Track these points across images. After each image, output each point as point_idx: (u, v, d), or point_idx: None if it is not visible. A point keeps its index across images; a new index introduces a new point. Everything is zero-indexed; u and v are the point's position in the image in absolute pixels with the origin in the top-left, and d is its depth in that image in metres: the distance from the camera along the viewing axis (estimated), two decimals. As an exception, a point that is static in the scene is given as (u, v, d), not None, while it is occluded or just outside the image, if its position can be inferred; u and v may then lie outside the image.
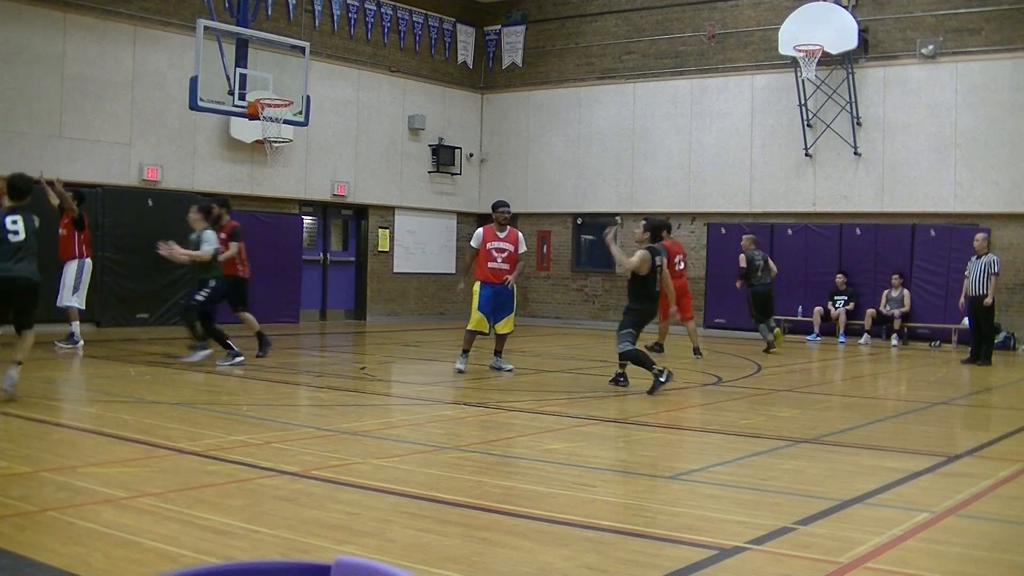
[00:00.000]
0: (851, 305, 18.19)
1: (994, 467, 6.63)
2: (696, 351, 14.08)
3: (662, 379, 9.74)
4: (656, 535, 4.70)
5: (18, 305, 8.37)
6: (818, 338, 18.26)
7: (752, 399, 10.18)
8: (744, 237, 16.11)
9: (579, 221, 21.96)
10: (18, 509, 4.90)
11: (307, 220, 19.87)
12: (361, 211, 20.88)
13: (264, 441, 6.92)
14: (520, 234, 11.72)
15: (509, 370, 11.58)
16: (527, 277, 22.83)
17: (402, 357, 14.32)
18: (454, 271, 22.73)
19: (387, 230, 21.18)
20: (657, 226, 10.65)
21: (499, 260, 11.36)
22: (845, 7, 18.15)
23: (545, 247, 22.34)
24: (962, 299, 14.60)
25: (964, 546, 4.67)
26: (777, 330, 15.57)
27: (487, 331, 11.45)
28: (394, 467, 6.23)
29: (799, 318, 18.88)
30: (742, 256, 15.65)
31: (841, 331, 18.04)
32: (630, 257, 9.90)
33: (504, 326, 11.52)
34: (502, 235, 11.49)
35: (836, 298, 18.34)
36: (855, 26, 17.79)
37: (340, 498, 5.29)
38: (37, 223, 8.51)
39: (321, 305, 20.36)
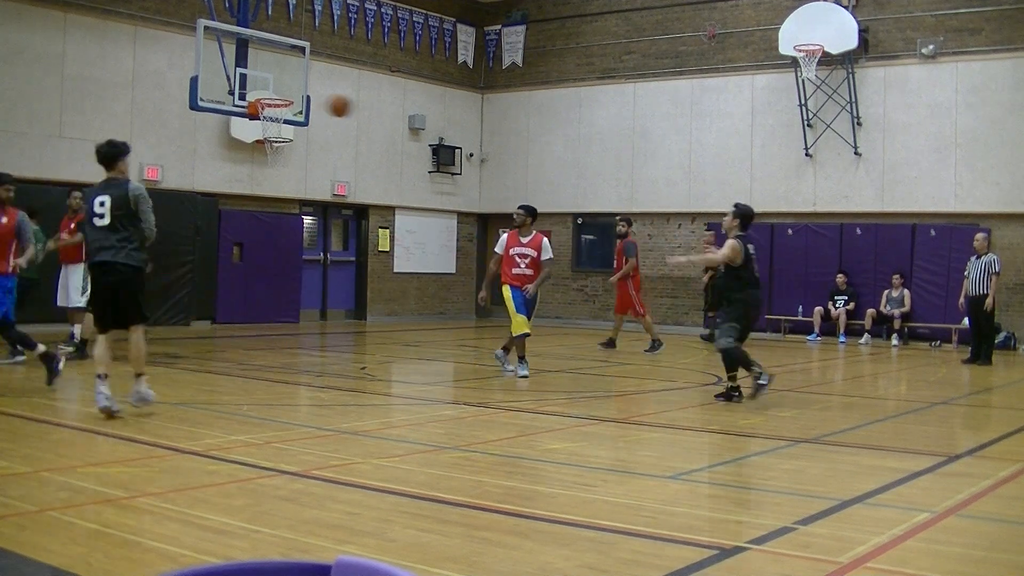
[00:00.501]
0: (851, 305, 18.19)
1: (994, 467, 6.63)
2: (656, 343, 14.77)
3: (762, 382, 9.16)
4: (656, 535, 4.70)
5: (118, 298, 7.78)
6: (818, 338, 18.26)
7: (753, 400, 10.17)
8: (707, 234, 17.52)
9: (579, 221, 21.96)
10: (18, 509, 4.90)
11: (307, 220, 19.87)
12: (361, 211, 20.88)
13: (264, 441, 6.92)
14: (546, 240, 11.40)
15: (511, 371, 11.34)
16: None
17: (402, 357, 14.32)
18: (454, 271, 22.75)
19: (387, 230, 21.18)
20: (747, 213, 9.79)
21: (522, 266, 11.10)
22: (845, 7, 18.14)
23: (545, 247, 22.32)
24: (961, 299, 14.60)
25: (964, 546, 4.67)
26: None
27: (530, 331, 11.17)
28: (394, 467, 6.23)
29: (799, 318, 18.88)
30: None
31: (841, 331, 18.04)
32: (723, 252, 9.32)
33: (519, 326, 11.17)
34: (525, 240, 11.21)
35: (836, 298, 18.34)
36: (855, 26, 17.79)
37: (340, 498, 5.29)
38: (134, 201, 7.74)
39: (321, 305, 20.36)
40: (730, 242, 9.39)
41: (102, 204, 7.68)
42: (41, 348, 9.42)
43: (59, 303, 12.53)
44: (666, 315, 20.52)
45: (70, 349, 12.38)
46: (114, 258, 7.65)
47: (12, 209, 10.03)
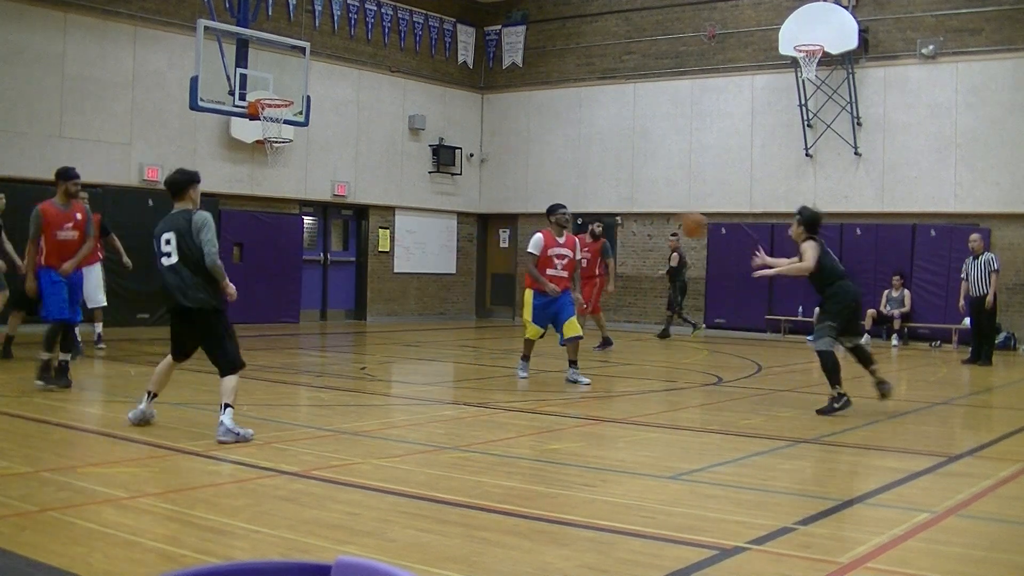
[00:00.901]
0: (851, 305, 18.15)
1: (994, 467, 6.63)
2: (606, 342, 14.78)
3: (837, 405, 8.80)
4: (656, 535, 4.70)
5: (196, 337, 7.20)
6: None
7: (752, 399, 10.18)
8: (672, 237, 18.62)
9: (579, 221, 21.93)
10: (18, 509, 4.90)
11: (307, 220, 19.87)
12: (361, 211, 20.88)
13: (264, 441, 6.92)
14: (576, 239, 11.16)
15: (587, 384, 10.61)
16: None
17: (402, 357, 14.32)
18: (454, 271, 22.74)
19: (387, 230, 21.18)
20: (812, 219, 9.17)
21: (559, 267, 10.71)
22: (845, 7, 18.14)
23: (545, 247, 22.32)
24: (961, 301, 14.54)
25: (964, 546, 4.67)
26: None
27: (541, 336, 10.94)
28: (394, 467, 6.23)
29: (799, 318, 18.88)
30: (675, 255, 18.36)
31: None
32: (808, 254, 8.89)
33: (571, 328, 10.65)
34: (561, 240, 10.81)
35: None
36: (855, 26, 17.79)
37: (340, 498, 5.29)
38: (204, 233, 7.12)
39: (321, 305, 20.36)
40: (809, 243, 9.00)
41: (168, 242, 7.13)
42: (64, 358, 9.26)
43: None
44: (666, 315, 20.50)
45: (102, 348, 12.52)
46: (184, 301, 7.03)
47: (80, 205, 9.86)
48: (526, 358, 11.11)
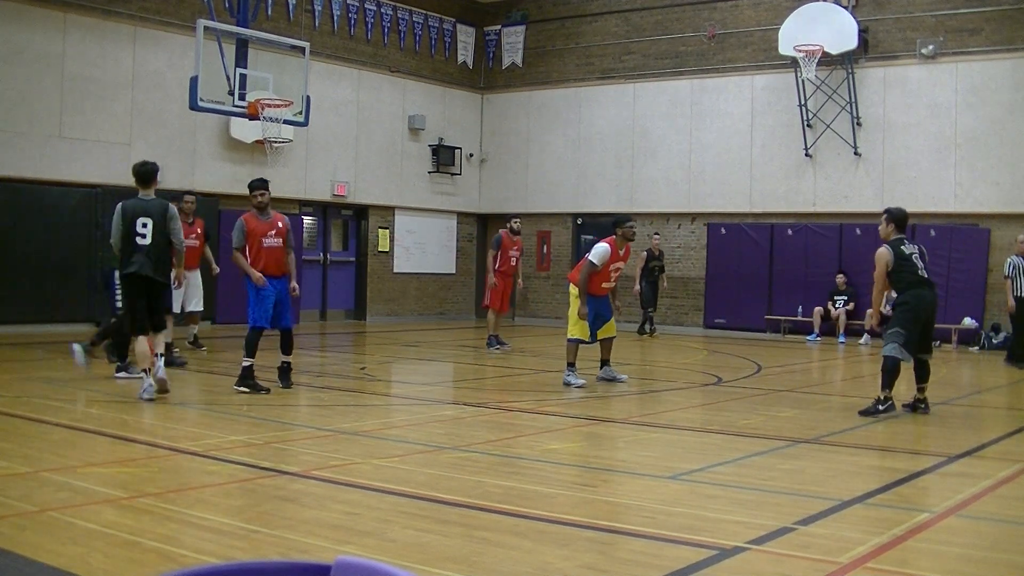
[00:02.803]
0: (851, 305, 18.18)
1: (994, 467, 6.63)
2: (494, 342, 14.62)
3: (881, 408, 8.69)
4: (656, 535, 4.70)
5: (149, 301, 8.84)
6: (818, 338, 18.27)
7: (752, 399, 10.18)
8: (656, 236, 19.17)
9: (579, 221, 21.96)
10: (18, 509, 4.90)
11: (307, 220, 19.86)
12: (361, 211, 20.88)
13: (264, 441, 6.92)
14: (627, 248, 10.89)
15: (623, 380, 10.74)
16: (527, 277, 22.84)
17: (402, 357, 14.31)
18: (454, 271, 22.74)
19: (387, 230, 21.18)
20: (900, 216, 9.02)
21: (612, 279, 10.62)
22: (845, 7, 18.14)
23: (545, 247, 22.35)
24: (1011, 300, 14.12)
25: (964, 546, 4.67)
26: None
27: (589, 340, 10.60)
28: (394, 467, 6.23)
29: (799, 318, 18.88)
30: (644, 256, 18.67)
31: (841, 331, 18.04)
32: (876, 272, 8.92)
33: (608, 330, 10.67)
34: (622, 253, 10.60)
35: (836, 298, 18.34)
36: (855, 26, 17.79)
37: (340, 498, 5.29)
38: (173, 222, 8.89)
39: (321, 305, 20.36)
40: (879, 252, 8.92)
41: (144, 225, 8.74)
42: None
43: (174, 308, 12.21)
44: (665, 315, 20.52)
45: (205, 350, 12.88)
46: (154, 275, 8.81)
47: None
48: (573, 365, 10.54)
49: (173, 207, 9.23)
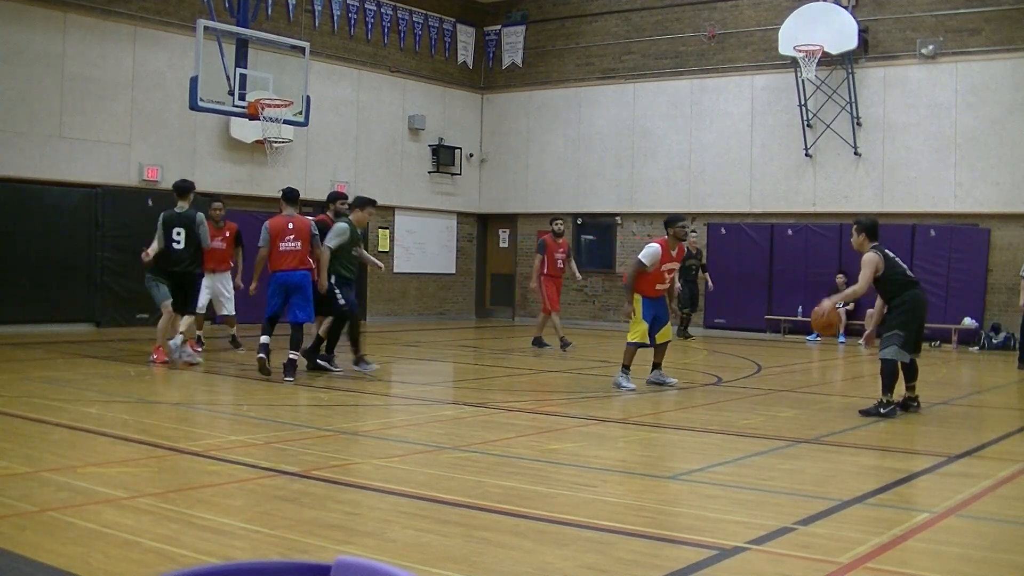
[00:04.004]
0: (851, 305, 18.15)
1: (994, 467, 6.63)
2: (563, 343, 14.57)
3: (883, 411, 8.62)
4: (656, 535, 4.70)
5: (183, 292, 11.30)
6: (818, 338, 18.26)
7: (752, 399, 10.18)
8: (693, 234, 18.37)
9: (579, 221, 21.95)
10: (18, 509, 4.90)
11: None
12: (361, 211, 20.85)
13: (264, 441, 6.92)
14: (683, 247, 10.65)
15: (673, 383, 10.62)
16: (527, 277, 22.83)
17: (402, 357, 14.31)
18: (454, 271, 22.74)
19: (387, 230, 21.18)
20: (871, 226, 9.04)
21: (666, 280, 10.37)
22: (845, 7, 18.14)
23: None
24: (1022, 300, 14.08)
25: (964, 546, 4.67)
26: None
27: (648, 343, 10.35)
28: (394, 467, 6.23)
29: (799, 318, 18.88)
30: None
31: (841, 331, 18.03)
32: (863, 274, 8.80)
33: (665, 334, 10.44)
34: (674, 253, 10.35)
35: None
36: (855, 26, 17.79)
37: (340, 498, 5.29)
38: (200, 228, 11.35)
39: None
40: (867, 256, 8.85)
41: (179, 233, 11.24)
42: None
43: (201, 310, 12.71)
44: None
45: (243, 349, 12.86)
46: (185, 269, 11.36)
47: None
48: (628, 368, 10.27)
49: (200, 216, 11.50)
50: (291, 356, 10.35)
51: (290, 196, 11.29)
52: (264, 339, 10.47)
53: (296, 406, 9.40)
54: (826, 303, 9.06)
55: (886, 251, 8.93)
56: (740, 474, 6.26)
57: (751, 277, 19.40)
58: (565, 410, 8.91)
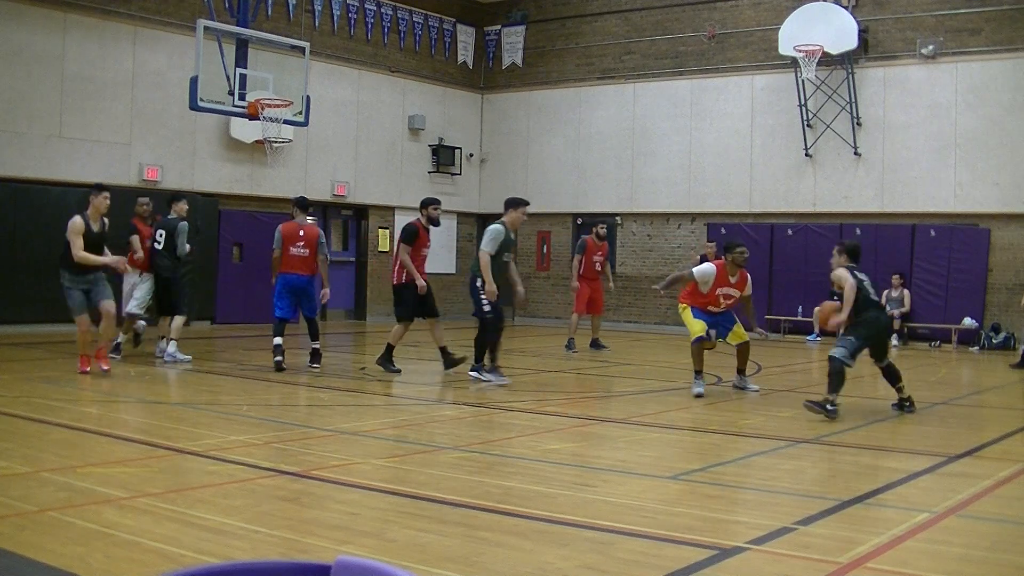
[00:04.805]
0: (851, 305, 18.16)
1: (994, 467, 6.63)
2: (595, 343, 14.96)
3: (828, 408, 8.58)
4: (656, 535, 4.70)
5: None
6: (818, 338, 18.26)
7: (752, 399, 10.18)
8: (709, 244, 18.19)
9: (579, 221, 21.95)
10: (18, 509, 4.89)
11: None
12: (361, 211, 20.88)
13: (264, 441, 6.92)
14: (749, 276, 10.24)
15: (755, 390, 10.41)
16: (527, 278, 22.83)
17: (402, 357, 14.30)
18: (454, 271, 22.73)
19: (387, 230, 21.18)
20: (852, 249, 9.32)
21: (721, 305, 9.99)
22: (845, 7, 18.15)
23: (545, 247, 22.36)
24: None
25: (964, 546, 4.67)
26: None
27: (712, 340, 10.08)
28: (394, 467, 6.23)
29: (799, 318, 18.88)
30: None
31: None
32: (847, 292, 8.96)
33: (737, 335, 10.20)
34: (734, 280, 10.00)
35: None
36: (855, 26, 17.79)
37: (340, 498, 5.29)
38: (180, 236, 11.75)
39: (320, 305, 20.33)
40: (837, 274, 9.12)
41: (160, 235, 11.74)
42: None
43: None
44: (666, 315, 20.53)
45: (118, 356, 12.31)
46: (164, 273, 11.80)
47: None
48: (700, 372, 10.03)
49: (183, 225, 11.80)
50: (314, 346, 11.55)
51: (302, 204, 11.90)
52: (278, 340, 11.21)
53: (296, 406, 9.40)
54: (828, 304, 9.36)
55: (857, 273, 9.13)
56: (740, 474, 6.26)
57: (751, 277, 19.36)
58: (565, 410, 8.91)
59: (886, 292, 17.94)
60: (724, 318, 10.19)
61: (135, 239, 12.07)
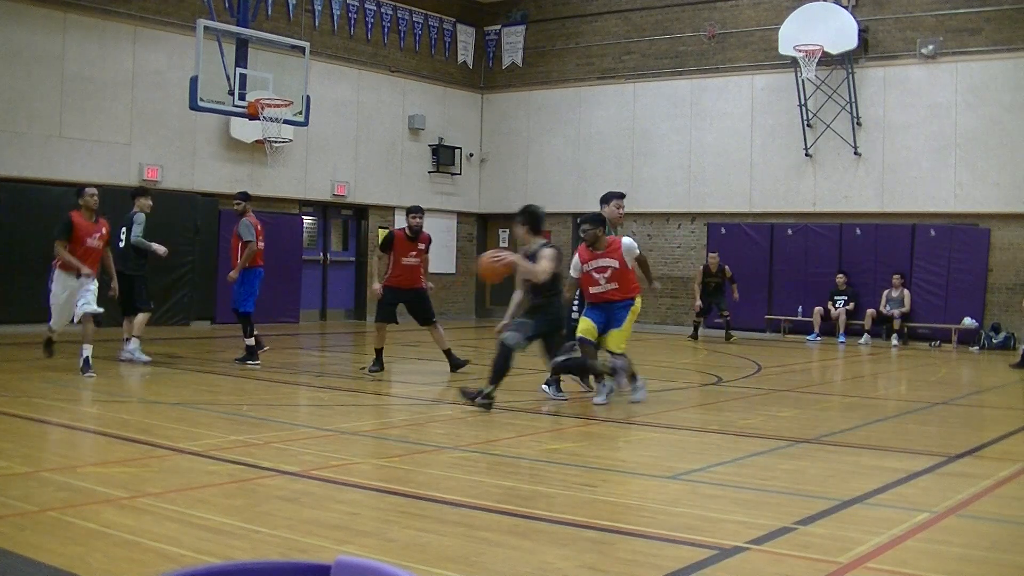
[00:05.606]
0: (851, 305, 18.19)
1: (994, 467, 6.63)
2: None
3: (481, 400, 8.52)
4: (656, 535, 4.70)
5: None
6: (818, 338, 18.27)
7: (752, 399, 10.18)
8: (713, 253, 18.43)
9: (579, 221, 21.91)
10: (18, 509, 4.89)
11: (307, 220, 19.87)
12: (361, 211, 20.88)
13: (264, 441, 6.92)
14: (622, 240, 9.42)
15: (601, 388, 9.45)
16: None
17: (402, 357, 14.30)
18: (454, 271, 22.73)
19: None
20: (537, 217, 9.18)
21: (603, 283, 9.18)
22: (845, 7, 18.15)
23: (545, 247, 22.34)
24: None
25: (964, 546, 4.67)
26: None
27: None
28: (394, 467, 6.23)
29: (799, 318, 18.88)
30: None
31: (841, 331, 18.04)
32: (539, 265, 8.66)
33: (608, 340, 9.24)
34: (600, 251, 9.24)
35: (836, 298, 18.34)
36: (855, 26, 17.80)
37: (340, 498, 5.29)
38: (134, 227, 11.74)
39: (321, 305, 20.36)
40: (548, 251, 8.73)
41: (123, 229, 11.76)
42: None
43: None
44: (666, 315, 20.53)
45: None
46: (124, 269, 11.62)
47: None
48: (599, 377, 9.42)
49: (140, 216, 11.79)
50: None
51: (245, 196, 12.34)
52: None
53: (296, 406, 9.40)
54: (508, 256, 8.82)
55: (559, 252, 8.93)
56: (740, 474, 6.26)
57: (751, 277, 19.39)
58: (565, 410, 8.91)
59: (886, 292, 17.95)
60: (615, 315, 9.15)
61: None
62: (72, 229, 10.32)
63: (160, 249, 11.91)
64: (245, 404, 8.88)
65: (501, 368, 8.61)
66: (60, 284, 10.37)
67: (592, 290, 9.21)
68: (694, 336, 18.31)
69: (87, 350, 10.12)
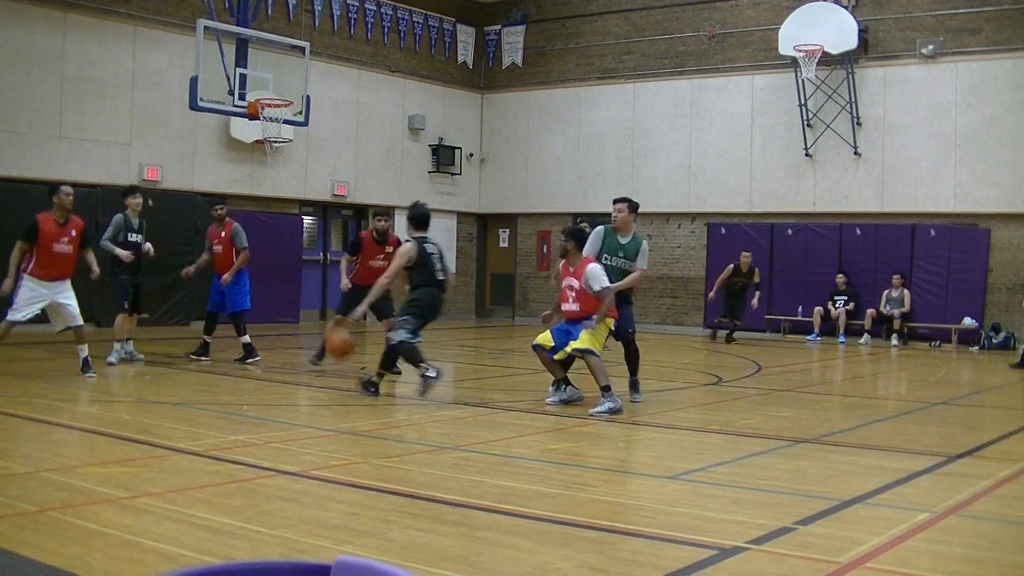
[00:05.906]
0: (851, 305, 18.19)
1: (994, 467, 6.63)
2: None
3: (430, 374, 8.84)
4: (656, 535, 4.70)
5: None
6: (818, 338, 18.27)
7: (752, 399, 10.18)
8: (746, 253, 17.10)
9: (579, 221, 21.92)
10: (18, 509, 4.89)
11: (307, 220, 19.87)
12: (361, 211, 20.88)
13: (264, 441, 6.92)
14: (587, 266, 9.21)
15: (575, 397, 9.31)
16: (527, 277, 22.85)
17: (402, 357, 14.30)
18: (454, 271, 22.72)
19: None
20: (417, 215, 9.55)
21: (569, 299, 9.14)
22: (845, 7, 18.15)
23: (545, 247, 22.35)
24: None
25: (964, 546, 4.67)
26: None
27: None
28: (394, 467, 6.23)
29: (799, 318, 18.88)
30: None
31: (841, 331, 18.04)
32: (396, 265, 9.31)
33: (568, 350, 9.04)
34: (572, 269, 9.25)
35: (836, 298, 18.34)
36: (855, 26, 17.80)
37: (340, 498, 5.29)
38: (114, 223, 11.59)
39: (321, 305, 20.35)
40: (407, 246, 9.32)
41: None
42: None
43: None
44: (665, 315, 20.53)
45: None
46: None
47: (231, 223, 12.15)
48: (558, 382, 9.29)
49: (116, 217, 11.59)
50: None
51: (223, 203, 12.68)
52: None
53: (296, 406, 9.41)
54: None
55: (427, 246, 9.33)
56: (740, 474, 6.26)
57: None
58: (565, 410, 8.91)
59: (886, 292, 17.95)
60: (578, 331, 8.99)
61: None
62: (36, 234, 9.94)
63: (123, 254, 11.22)
64: (245, 404, 8.88)
65: (413, 355, 9.01)
66: (29, 290, 9.88)
67: (563, 307, 9.20)
68: (714, 337, 18.07)
69: (84, 351, 10.11)
